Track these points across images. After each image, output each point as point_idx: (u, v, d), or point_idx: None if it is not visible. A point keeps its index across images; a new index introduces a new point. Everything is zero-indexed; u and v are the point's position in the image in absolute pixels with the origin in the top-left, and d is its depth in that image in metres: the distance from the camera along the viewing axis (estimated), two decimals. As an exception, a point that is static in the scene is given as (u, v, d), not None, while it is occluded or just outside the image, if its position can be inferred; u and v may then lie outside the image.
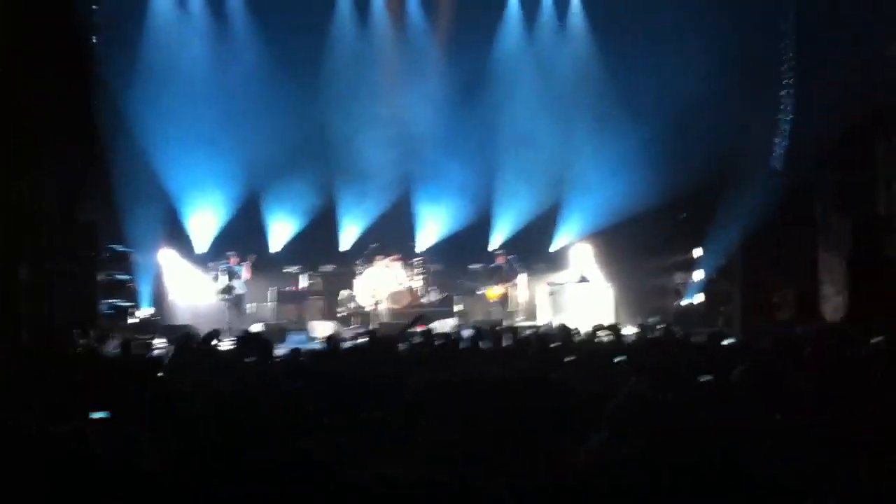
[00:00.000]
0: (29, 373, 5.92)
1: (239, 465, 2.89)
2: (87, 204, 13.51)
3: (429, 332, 11.26)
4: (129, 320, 14.38)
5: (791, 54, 14.09)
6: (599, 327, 9.77)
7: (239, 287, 15.68)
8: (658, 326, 12.30)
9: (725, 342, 8.70)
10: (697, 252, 16.08)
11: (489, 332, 10.53)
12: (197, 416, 3.74)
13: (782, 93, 14.22)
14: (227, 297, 15.57)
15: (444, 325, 14.65)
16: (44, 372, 5.86)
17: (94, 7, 13.95)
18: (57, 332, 10.49)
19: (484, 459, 3.15)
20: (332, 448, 2.89)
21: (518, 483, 2.71)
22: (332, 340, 9.21)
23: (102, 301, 13.83)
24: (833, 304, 13.13)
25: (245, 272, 15.70)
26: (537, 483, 2.75)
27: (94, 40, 13.56)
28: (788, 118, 14.05)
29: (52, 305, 11.61)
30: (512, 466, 2.98)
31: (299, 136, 15.94)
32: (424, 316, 13.28)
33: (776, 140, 14.21)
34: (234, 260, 15.71)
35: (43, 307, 11.37)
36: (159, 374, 6.89)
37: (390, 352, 7.82)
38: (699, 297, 15.99)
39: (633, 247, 16.42)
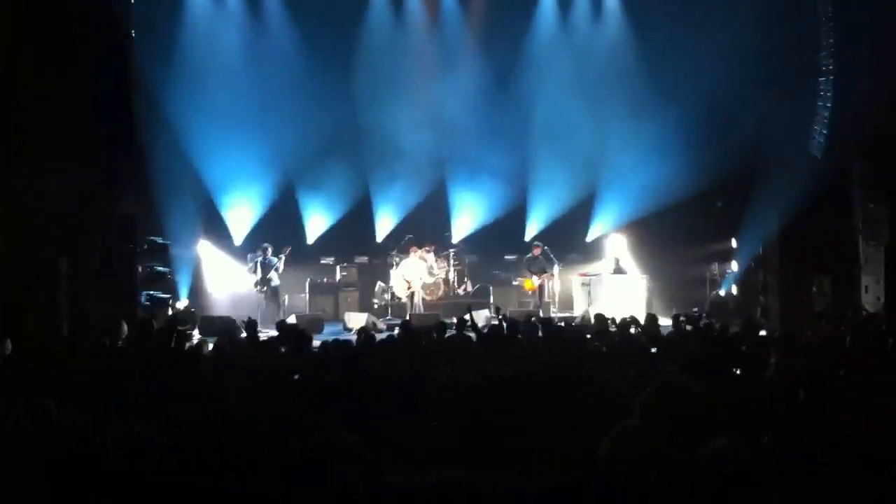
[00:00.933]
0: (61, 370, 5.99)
1: (244, 464, 2.91)
2: (126, 197, 13.67)
3: (463, 322, 11.27)
4: (168, 312, 14.53)
5: (829, 40, 13.87)
6: (631, 321, 9.66)
7: (275, 279, 15.82)
8: (693, 318, 12.17)
9: (760, 333, 8.63)
10: (733, 242, 15.93)
11: (524, 323, 10.50)
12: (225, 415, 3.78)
13: (820, 79, 14.01)
14: (263, 288, 15.72)
15: (478, 317, 14.64)
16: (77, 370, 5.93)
17: (131, 2, 14.07)
18: (95, 325, 10.63)
19: (499, 458, 3.14)
20: (343, 450, 2.91)
21: (534, 483, 2.71)
22: (363, 332, 9.21)
23: (142, 293, 13.99)
24: (873, 293, 12.96)
25: (280, 264, 15.82)
26: (553, 482, 2.75)
27: (132, 35, 13.68)
28: (826, 105, 13.84)
29: (91, 298, 11.80)
30: (530, 464, 2.97)
31: (335, 128, 16.01)
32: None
33: (813, 127, 14.00)
34: (269, 252, 15.85)
35: (82, 301, 11.56)
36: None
37: (420, 345, 7.80)
38: (735, 288, 15.84)
39: (669, 237, 16.32)
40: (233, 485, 2.85)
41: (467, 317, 10.50)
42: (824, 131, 13.79)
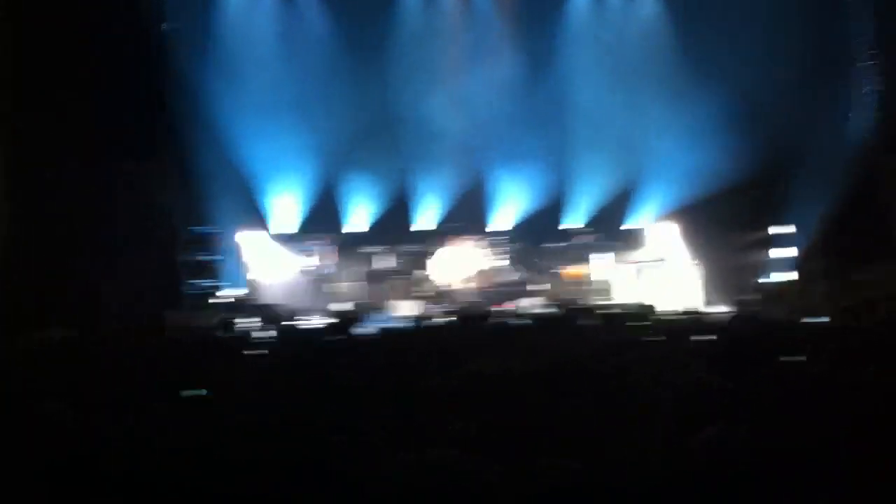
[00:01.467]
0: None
1: (245, 464, 2.86)
2: (170, 187, 13.81)
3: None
4: (212, 300, 14.68)
5: (876, 26, 13.51)
6: (680, 311, 9.54)
7: (321, 268, 15.89)
8: (743, 304, 11.98)
9: (813, 321, 8.41)
10: (785, 228, 15.59)
11: (568, 311, 10.40)
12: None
13: (867, 63, 13.65)
14: (309, 277, 15.80)
15: (522, 305, 14.58)
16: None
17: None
18: (140, 314, 10.76)
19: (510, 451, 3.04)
20: (345, 447, 2.85)
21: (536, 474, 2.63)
22: (414, 321, 9.22)
23: (186, 282, 14.14)
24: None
25: (327, 253, 15.89)
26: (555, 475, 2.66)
27: (166, 27, 13.79)
28: (876, 89, 13.50)
29: (134, 288, 11.95)
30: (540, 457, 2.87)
31: (374, 115, 15.96)
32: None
33: (866, 110, 13.65)
34: (316, 241, 15.93)
35: (125, 291, 11.71)
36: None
37: (462, 333, 7.74)
38: (788, 275, 15.51)
39: (719, 223, 16.02)
40: (233, 485, 2.79)
41: (510, 306, 10.46)
42: (878, 114, 13.45)
